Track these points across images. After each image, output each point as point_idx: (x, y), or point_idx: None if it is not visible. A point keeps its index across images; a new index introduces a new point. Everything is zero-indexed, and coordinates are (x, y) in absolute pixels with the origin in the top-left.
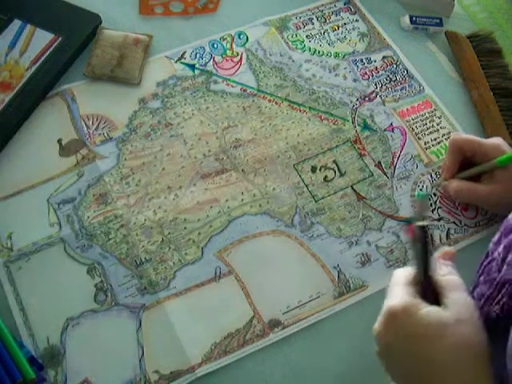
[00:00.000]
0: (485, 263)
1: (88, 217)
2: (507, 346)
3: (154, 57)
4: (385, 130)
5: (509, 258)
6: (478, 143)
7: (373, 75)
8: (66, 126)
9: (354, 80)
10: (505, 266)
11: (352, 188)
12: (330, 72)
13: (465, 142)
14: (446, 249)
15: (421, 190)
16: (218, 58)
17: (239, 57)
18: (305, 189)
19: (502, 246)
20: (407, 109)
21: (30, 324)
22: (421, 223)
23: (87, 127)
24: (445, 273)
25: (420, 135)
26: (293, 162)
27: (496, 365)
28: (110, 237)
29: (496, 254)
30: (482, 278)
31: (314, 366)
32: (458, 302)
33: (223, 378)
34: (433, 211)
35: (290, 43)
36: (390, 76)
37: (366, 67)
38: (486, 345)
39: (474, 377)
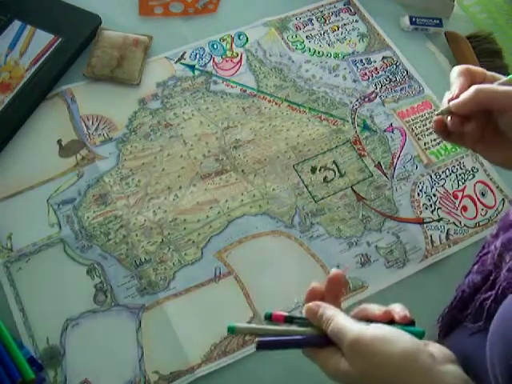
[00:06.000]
0: (480, 254)
1: (88, 217)
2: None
3: (154, 57)
4: (384, 131)
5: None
6: (484, 71)
7: (372, 76)
8: (65, 126)
9: (354, 80)
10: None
11: (352, 188)
12: (329, 72)
13: (470, 68)
14: (334, 271)
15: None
16: (217, 59)
17: (239, 57)
18: (304, 189)
19: (499, 241)
20: (407, 109)
21: (29, 324)
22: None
23: (87, 128)
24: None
25: (420, 136)
26: (292, 162)
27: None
28: (110, 237)
29: (492, 247)
30: (475, 267)
31: (313, 367)
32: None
33: (223, 379)
34: (432, 212)
35: (290, 44)
36: (390, 76)
37: (365, 68)
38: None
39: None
